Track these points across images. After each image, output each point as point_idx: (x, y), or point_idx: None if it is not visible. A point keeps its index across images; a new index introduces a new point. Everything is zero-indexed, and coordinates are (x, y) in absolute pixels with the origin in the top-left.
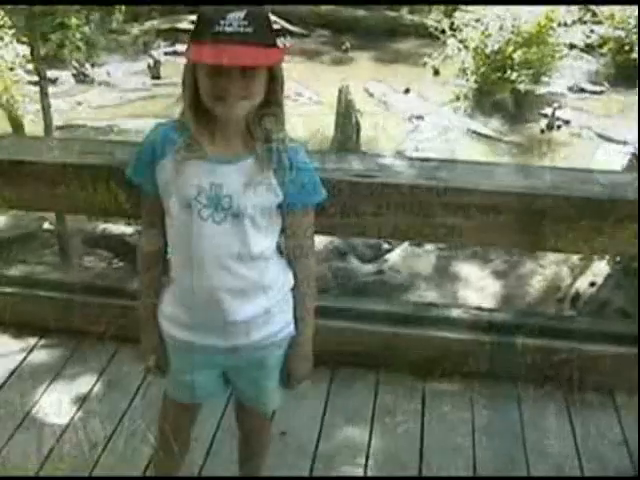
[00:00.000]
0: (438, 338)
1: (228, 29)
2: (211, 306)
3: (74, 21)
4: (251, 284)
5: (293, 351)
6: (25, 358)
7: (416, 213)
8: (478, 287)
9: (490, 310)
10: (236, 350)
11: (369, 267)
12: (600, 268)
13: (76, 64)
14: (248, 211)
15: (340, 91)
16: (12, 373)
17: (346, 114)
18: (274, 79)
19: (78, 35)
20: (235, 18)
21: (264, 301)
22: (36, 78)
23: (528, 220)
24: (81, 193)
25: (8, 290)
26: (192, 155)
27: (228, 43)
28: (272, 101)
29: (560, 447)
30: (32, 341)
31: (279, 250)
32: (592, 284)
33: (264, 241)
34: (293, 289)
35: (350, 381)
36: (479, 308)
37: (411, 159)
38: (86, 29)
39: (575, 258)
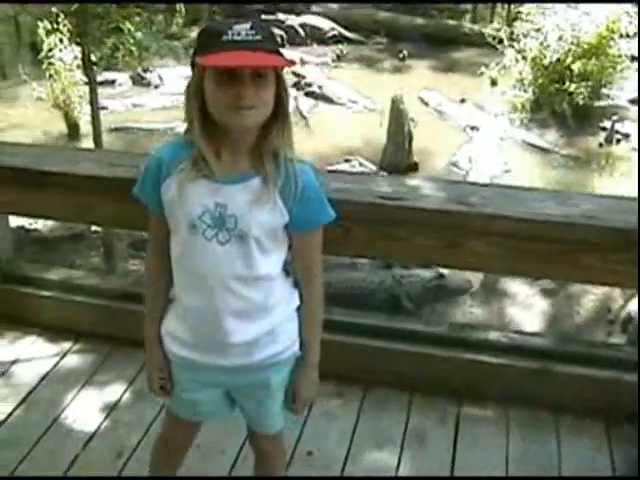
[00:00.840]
0: (475, 361)
1: (237, 38)
2: (213, 326)
3: (127, 26)
4: (255, 305)
5: (298, 374)
6: (58, 362)
7: (443, 239)
8: (526, 305)
9: (530, 334)
10: (238, 370)
11: (429, 273)
12: None
13: (130, 68)
14: (253, 232)
15: (393, 100)
16: (44, 377)
17: (399, 124)
18: (282, 90)
19: (131, 40)
20: (242, 28)
21: (268, 321)
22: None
23: (559, 249)
24: (106, 205)
25: (46, 294)
26: (197, 174)
27: (239, 49)
28: (280, 115)
29: None
30: (66, 346)
31: (285, 269)
32: None
33: (270, 262)
34: (299, 308)
35: (382, 402)
36: (519, 332)
37: (442, 181)
38: (138, 34)
39: None
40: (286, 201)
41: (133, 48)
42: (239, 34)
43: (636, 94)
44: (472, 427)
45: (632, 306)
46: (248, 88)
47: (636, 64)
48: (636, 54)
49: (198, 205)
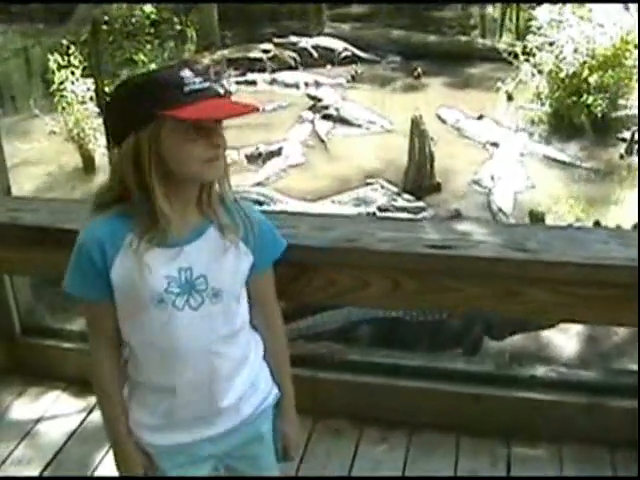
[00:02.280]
0: (523, 399)
1: (196, 87)
2: (201, 398)
3: (140, 57)
4: (237, 361)
5: (282, 419)
6: (85, 418)
7: (501, 287)
8: (562, 327)
9: (579, 367)
10: (230, 432)
11: None
12: None
13: None
14: (227, 285)
15: (413, 121)
16: (71, 435)
17: (419, 145)
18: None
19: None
20: (191, 76)
21: (247, 372)
22: None
23: (626, 295)
24: None
25: (69, 346)
26: (150, 244)
27: (207, 99)
28: None
29: None
30: (93, 400)
31: None
32: None
33: (243, 310)
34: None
35: (429, 446)
36: (566, 365)
37: (493, 225)
38: (152, 65)
39: None
40: (247, 242)
41: None
42: (194, 83)
43: None
44: (525, 468)
45: None
46: (219, 138)
47: None
48: None
49: (161, 277)
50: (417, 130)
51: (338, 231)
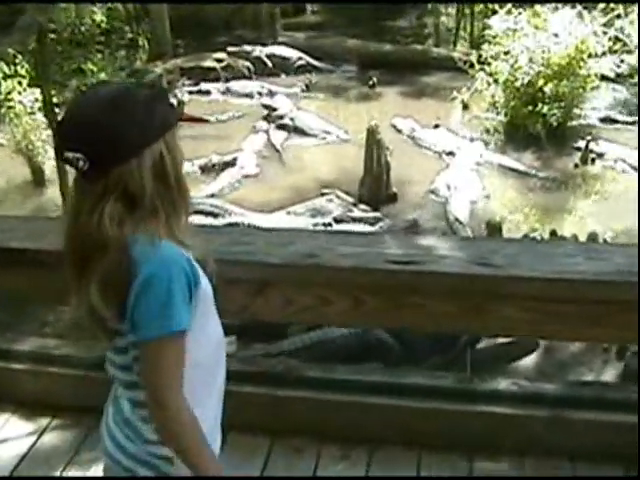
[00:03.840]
0: (485, 413)
1: None
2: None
3: (90, 67)
4: None
5: None
6: (36, 442)
7: (466, 304)
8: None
9: (540, 381)
10: None
11: None
12: None
13: None
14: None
15: (369, 131)
16: (22, 458)
17: (375, 155)
18: None
19: (95, 81)
20: None
21: None
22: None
23: (595, 310)
24: None
25: (18, 367)
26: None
27: None
28: None
29: None
30: (44, 422)
31: None
32: None
33: None
34: None
35: (390, 462)
36: (528, 379)
37: (458, 239)
38: (102, 75)
39: None
40: None
41: None
42: None
43: (607, 113)
44: None
45: None
46: None
47: (605, 83)
48: (605, 73)
49: (208, 284)
50: (373, 140)
51: (297, 247)
